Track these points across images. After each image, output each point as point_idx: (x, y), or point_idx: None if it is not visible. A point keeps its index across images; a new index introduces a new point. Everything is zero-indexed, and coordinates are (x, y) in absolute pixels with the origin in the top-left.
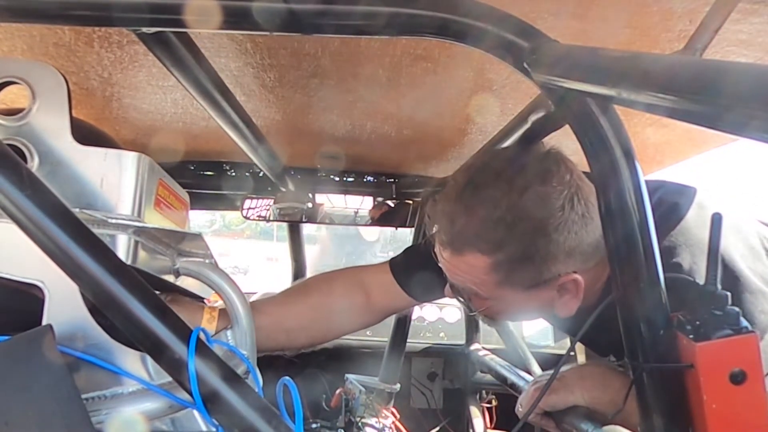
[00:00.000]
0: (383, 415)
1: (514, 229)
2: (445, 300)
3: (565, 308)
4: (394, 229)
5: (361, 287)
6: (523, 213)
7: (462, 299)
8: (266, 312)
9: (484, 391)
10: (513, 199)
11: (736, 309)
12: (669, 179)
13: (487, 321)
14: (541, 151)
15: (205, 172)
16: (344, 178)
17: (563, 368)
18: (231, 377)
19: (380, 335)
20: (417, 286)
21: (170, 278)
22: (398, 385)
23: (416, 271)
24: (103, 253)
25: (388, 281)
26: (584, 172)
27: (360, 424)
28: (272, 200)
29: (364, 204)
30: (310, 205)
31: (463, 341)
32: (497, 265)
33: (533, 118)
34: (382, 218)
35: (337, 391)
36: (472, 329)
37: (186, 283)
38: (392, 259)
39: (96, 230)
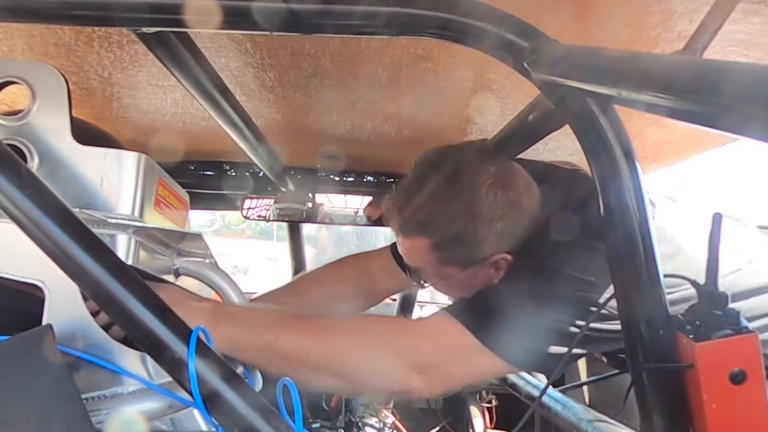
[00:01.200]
0: (383, 415)
1: (446, 215)
2: (445, 300)
3: None
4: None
5: (368, 273)
6: (453, 201)
7: (417, 278)
8: (287, 302)
9: (484, 391)
10: (445, 189)
11: (736, 309)
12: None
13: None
14: (475, 146)
15: (205, 172)
16: (344, 178)
17: None
18: (231, 377)
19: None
20: None
21: (170, 278)
22: None
23: None
24: (103, 253)
25: (392, 264)
26: (562, 165)
27: (360, 424)
28: (272, 200)
29: (364, 204)
30: (310, 205)
31: None
32: (436, 246)
33: (533, 118)
34: (381, 218)
35: None
36: None
37: (186, 283)
38: (392, 243)
39: (96, 230)
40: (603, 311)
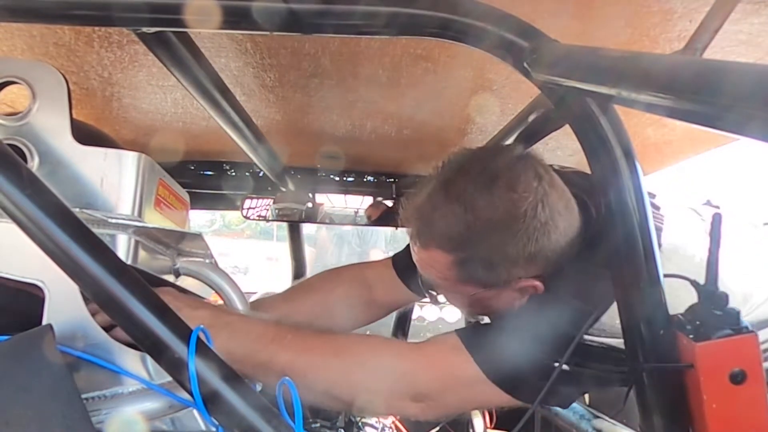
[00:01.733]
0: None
1: (475, 230)
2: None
3: None
4: (394, 229)
5: (364, 283)
6: (485, 216)
7: (431, 292)
8: (274, 308)
9: None
10: (477, 201)
11: (737, 309)
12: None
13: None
14: (515, 154)
15: (205, 172)
16: (344, 178)
17: None
18: (231, 377)
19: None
20: (417, 281)
21: (170, 278)
22: None
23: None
24: (103, 253)
25: (390, 276)
26: (572, 172)
27: (360, 423)
28: (272, 200)
29: (364, 204)
30: (310, 205)
31: None
32: (458, 263)
33: (533, 118)
34: (381, 218)
35: None
36: None
37: (186, 283)
38: (395, 255)
39: (96, 230)
40: (616, 355)
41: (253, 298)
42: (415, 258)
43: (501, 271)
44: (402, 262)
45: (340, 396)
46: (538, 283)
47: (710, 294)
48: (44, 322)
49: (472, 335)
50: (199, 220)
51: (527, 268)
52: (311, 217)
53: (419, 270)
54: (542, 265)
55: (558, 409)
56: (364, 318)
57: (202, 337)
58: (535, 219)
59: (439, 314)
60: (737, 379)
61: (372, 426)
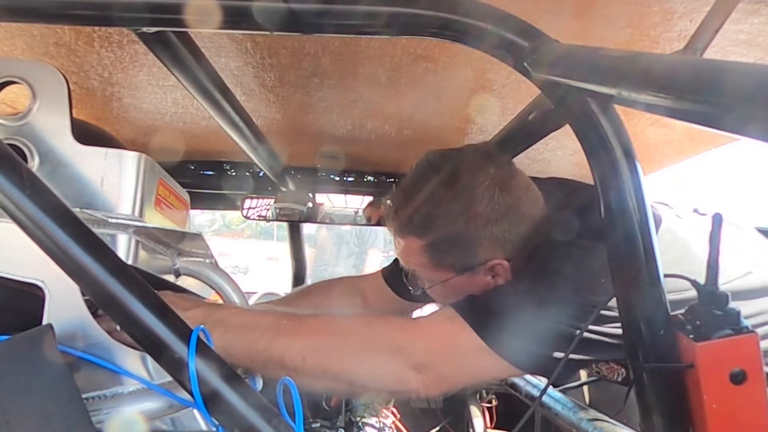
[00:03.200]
0: (383, 414)
1: (441, 215)
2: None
3: None
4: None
5: (357, 290)
6: (448, 202)
7: (414, 283)
8: None
9: (484, 391)
10: (442, 190)
11: (737, 309)
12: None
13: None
14: (476, 149)
15: (206, 172)
16: (344, 178)
17: None
18: (231, 377)
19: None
20: (405, 287)
21: (170, 278)
22: None
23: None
24: (103, 252)
25: (381, 285)
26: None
27: (360, 423)
28: (272, 200)
29: (363, 204)
30: (310, 204)
31: None
32: (429, 248)
33: (533, 118)
34: (380, 218)
35: None
36: None
37: (186, 283)
38: (384, 267)
39: (96, 230)
40: (611, 314)
41: (253, 298)
42: (397, 253)
43: (468, 253)
44: (390, 273)
45: (340, 375)
46: (504, 262)
47: (710, 294)
48: (44, 322)
49: (466, 305)
50: (199, 220)
51: (493, 249)
52: (311, 217)
53: (402, 263)
54: (508, 246)
55: (558, 409)
56: None
57: (202, 336)
58: (492, 201)
59: None
60: (737, 379)
61: (372, 426)
